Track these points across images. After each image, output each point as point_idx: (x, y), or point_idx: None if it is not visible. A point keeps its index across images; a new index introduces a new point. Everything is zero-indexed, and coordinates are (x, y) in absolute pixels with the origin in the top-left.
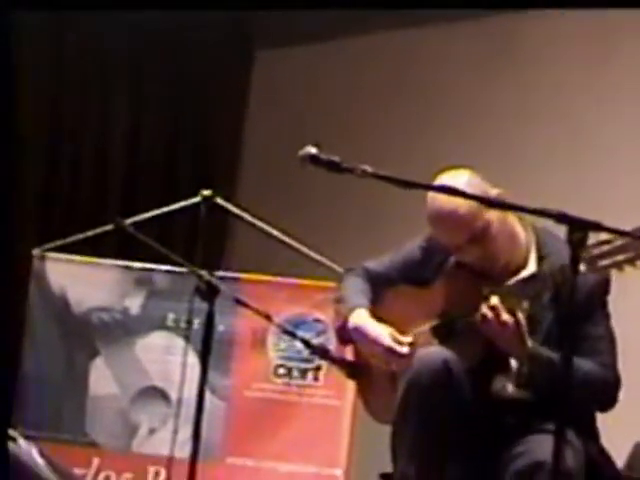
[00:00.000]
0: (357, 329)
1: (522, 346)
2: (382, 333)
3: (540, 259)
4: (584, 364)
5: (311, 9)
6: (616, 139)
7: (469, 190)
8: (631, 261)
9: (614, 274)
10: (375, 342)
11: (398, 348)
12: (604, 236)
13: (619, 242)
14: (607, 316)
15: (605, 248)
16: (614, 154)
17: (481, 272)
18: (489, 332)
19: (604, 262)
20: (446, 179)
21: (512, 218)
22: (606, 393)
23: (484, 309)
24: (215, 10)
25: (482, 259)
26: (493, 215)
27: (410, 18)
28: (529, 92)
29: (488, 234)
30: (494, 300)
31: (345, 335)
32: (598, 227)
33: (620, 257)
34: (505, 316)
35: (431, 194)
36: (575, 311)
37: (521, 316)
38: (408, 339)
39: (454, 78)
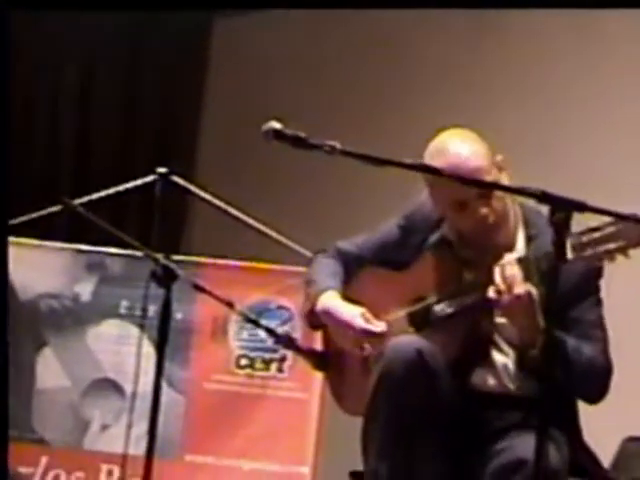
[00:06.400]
0: (327, 312)
1: (535, 322)
2: (353, 314)
3: (529, 239)
4: (587, 349)
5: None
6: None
7: (477, 145)
8: (623, 249)
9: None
10: (346, 324)
11: (370, 327)
12: (595, 223)
13: (610, 229)
14: (600, 301)
15: (595, 235)
16: (614, 141)
17: (465, 258)
18: (501, 305)
19: (594, 250)
20: (454, 132)
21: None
22: (604, 381)
23: (498, 278)
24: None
25: (486, 219)
26: (499, 175)
27: None
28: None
29: (494, 192)
30: (510, 270)
31: (315, 320)
32: (582, 207)
33: (611, 245)
34: (520, 287)
35: (440, 143)
36: (565, 295)
37: (534, 290)
38: (381, 323)
39: (426, 50)
